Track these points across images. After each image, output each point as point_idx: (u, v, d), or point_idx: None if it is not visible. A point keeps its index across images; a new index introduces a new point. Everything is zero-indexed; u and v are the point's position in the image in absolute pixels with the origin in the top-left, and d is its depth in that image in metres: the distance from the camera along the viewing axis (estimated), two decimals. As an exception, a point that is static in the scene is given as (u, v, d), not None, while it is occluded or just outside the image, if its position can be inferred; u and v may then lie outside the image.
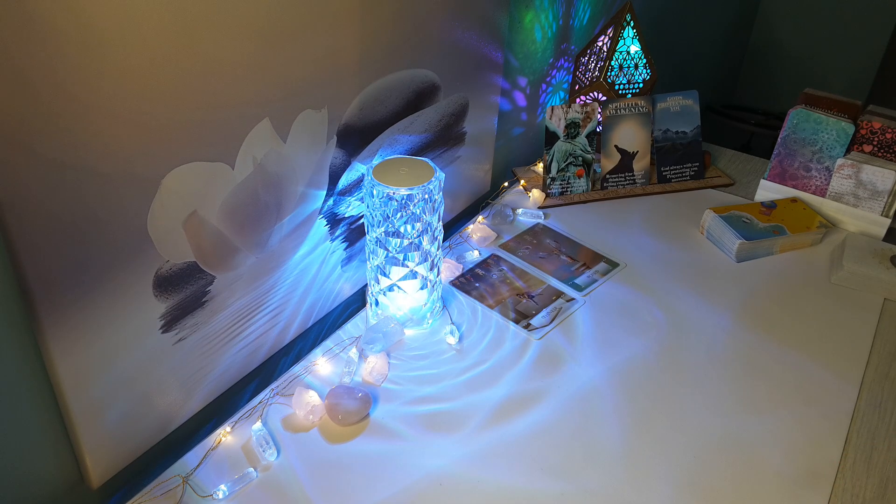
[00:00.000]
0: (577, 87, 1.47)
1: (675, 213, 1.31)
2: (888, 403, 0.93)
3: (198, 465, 0.79)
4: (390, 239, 0.92)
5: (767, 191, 1.35)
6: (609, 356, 0.97)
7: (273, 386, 0.90)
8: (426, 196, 0.90)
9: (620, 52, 1.37)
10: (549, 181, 1.31)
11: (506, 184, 1.36)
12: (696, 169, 1.40)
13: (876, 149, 1.27)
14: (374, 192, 0.89)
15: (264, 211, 0.83)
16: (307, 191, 0.89)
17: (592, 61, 1.42)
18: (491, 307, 1.05)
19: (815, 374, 0.96)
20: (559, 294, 1.08)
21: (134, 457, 0.79)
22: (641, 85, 1.42)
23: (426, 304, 0.99)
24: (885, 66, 2.49)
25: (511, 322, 1.02)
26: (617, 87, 1.39)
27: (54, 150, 0.59)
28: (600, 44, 1.40)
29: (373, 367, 0.92)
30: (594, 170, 1.35)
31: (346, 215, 0.99)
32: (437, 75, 1.04)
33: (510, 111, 1.35)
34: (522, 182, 1.37)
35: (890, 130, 1.25)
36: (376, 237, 0.93)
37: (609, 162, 1.35)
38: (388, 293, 0.97)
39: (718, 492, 0.80)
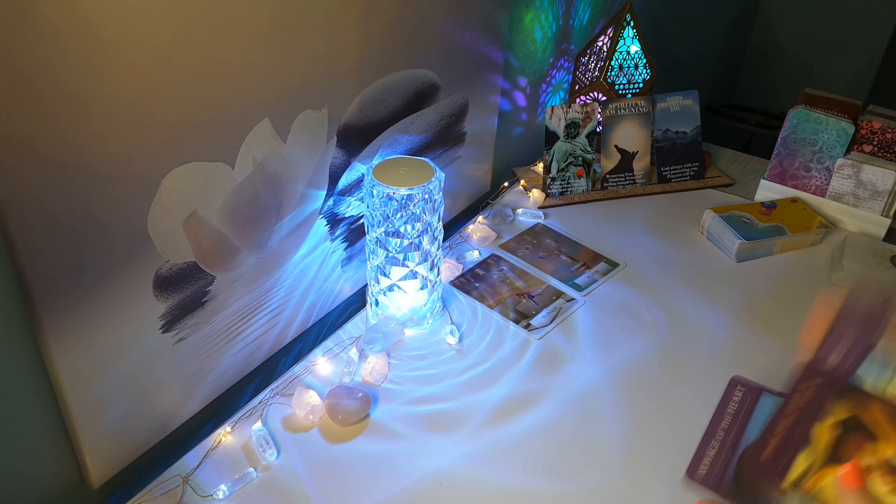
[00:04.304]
0: (577, 87, 1.47)
1: (675, 213, 1.31)
2: (888, 403, 0.93)
3: (198, 465, 0.79)
4: (390, 239, 0.92)
5: (767, 191, 1.35)
6: (609, 356, 0.97)
7: (273, 386, 0.90)
8: (426, 196, 0.90)
9: (620, 52, 1.37)
10: (549, 181, 1.31)
11: (506, 184, 1.36)
12: (696, 169, 1.40)
13: (876, 149, 1.27)
14: (374, 192, 0.89)
15: (264, 211, 0.83)
16: (307, 191, 0.89)
17: (592, 61, 1.42)
18: (491, 307, 1.05)
19: (815, 374, 0.96)
20: (559, 294, 1.08)
21: (134, 457, 0.79)
22: (641, 85, 1.42)
23: (426, 304, 0.99)
24: (885, 66, 2.49)
25: (511, 322, 1.02)
26: (617, 87, 1.40)
27: (54, 150, 0.59)
28: (600, 44, 1.40)
29: (373, 367, 0.92)
30: (594, 170, 1.35)
31: (346, 215, 0.99)
32: (437, 75, 1.04)
33: (510, 111, 1.35)
34: (522, 182, 1.37)
35: (890, 130, 1.25)
36: (376, 237, 0.93)
37: (609, 162, 1.35)
38: (388, 293, 0.97)
39: (718, 492, 0.80)
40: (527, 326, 1.02)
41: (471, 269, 1.13)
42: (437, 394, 0.90)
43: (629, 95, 1.42)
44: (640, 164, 1.36)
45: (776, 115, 2.40)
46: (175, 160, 0.70)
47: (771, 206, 1.27)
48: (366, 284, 1.05)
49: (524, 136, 1.44)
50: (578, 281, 1.12)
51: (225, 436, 0.83)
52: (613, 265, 1.16)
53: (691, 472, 0.78)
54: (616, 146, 1.34)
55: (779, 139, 1.33)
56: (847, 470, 0.68)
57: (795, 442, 0.70)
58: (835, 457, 0.69)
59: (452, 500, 0.77)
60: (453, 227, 1.24)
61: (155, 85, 0.65)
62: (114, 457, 0.77)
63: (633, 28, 1.36)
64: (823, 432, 0.70)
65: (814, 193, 1.32)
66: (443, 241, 1.01)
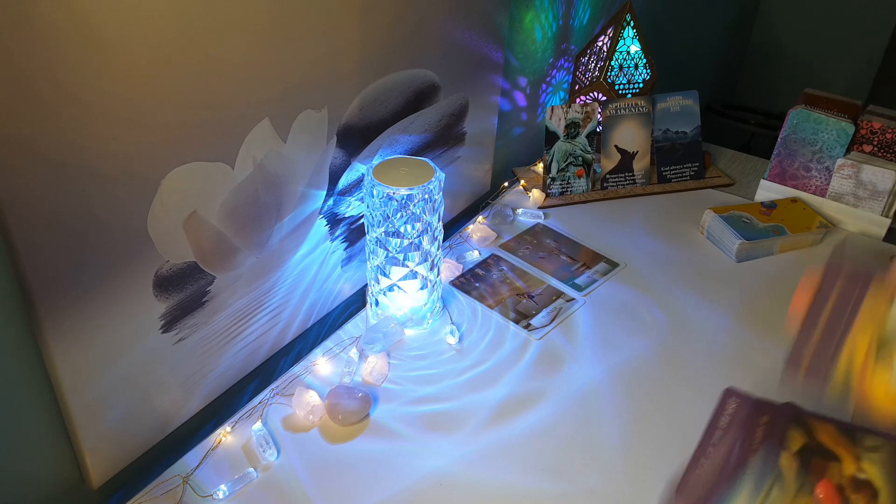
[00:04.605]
0: (577, 87, 1.47)
1: (675, 213, 1.31)
2: (888, 403, 0.93)
3: (198, 465, 0.79)
4: (390, 239, 0.92)
5: (767, 191, 1.35)
6: (609, 356, 0.97)
7: (273, 386, 0.90)
8: (426, 196, 0.90)
9: (620, 52, 1.37)
10: (549, 181, 1.31)
11: (506, 184, 1.36)
12: (696, 169, 1.40)
13: (876, 149, 1.27)
14: (374, 192, 0.89)
15: (264, 211, 0.83)
16: (307, 191, 0.89)
17: (592, 61, 1.42)
18: (491, 307, 1.05)
19: (815, 374, 0.96)
20: (559, 294, 1.08)
21: (134, 457, 0.79)
22: (641, 85, 1.42)
23: (426, 304, 0.99)
24: (885, 66, 2.49)
25: (511, 322, 1.02)
26: (617, 87, 1.39)
27: (54, 150, 0.59)
28: (600, 44, 1.40)
29: (373, 367, 0.92)
30: (594, 170, 1.35)
31: (346, 215, 0.99)
32: (437, 75, 1.04)
33: (510, 111, 1.35)
34: (522, 182, 1.37)
35: (890, 130, 1.25)
36: (376, 237, 0.93)
37: (609, 162, 1.35)
38: (388, 293, 0.97)
39: (718, 492, 0.80)
40: (527, 326, 1.02)
41: (471, 269, 1.13)
42: (437, 394, 0.90)
43: (629, 95, 1.42)
44: (640, 164, 1.36)
45: (776, 115, 2.40)
46: (175, 160, 0.70)
47: (771, 206, 1.27)
48: (366, 284, 1.05)
49: (524, 136, 1.44)
50: (578, 281, 1.12)
51: (225, 436, 0.83)
52: (613, 265, 1.16)
53: (681, 490, 0.77)
54: (616, 146, 1.34)
55: (779, 139, 1.33)
56: (824, 490, 0.68)
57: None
58: (806, 485, 0.69)
59: (452, 500, 0.77)
60: (453, 227, 1.24)
61: (155, 85, 0.65)
62: (114, 457, 0.77)
63: (633, 28, 1.36)
64: (789, 463, 0.71)
65: (814, 193, 1.32)
66: (443, 241, 1.01)
